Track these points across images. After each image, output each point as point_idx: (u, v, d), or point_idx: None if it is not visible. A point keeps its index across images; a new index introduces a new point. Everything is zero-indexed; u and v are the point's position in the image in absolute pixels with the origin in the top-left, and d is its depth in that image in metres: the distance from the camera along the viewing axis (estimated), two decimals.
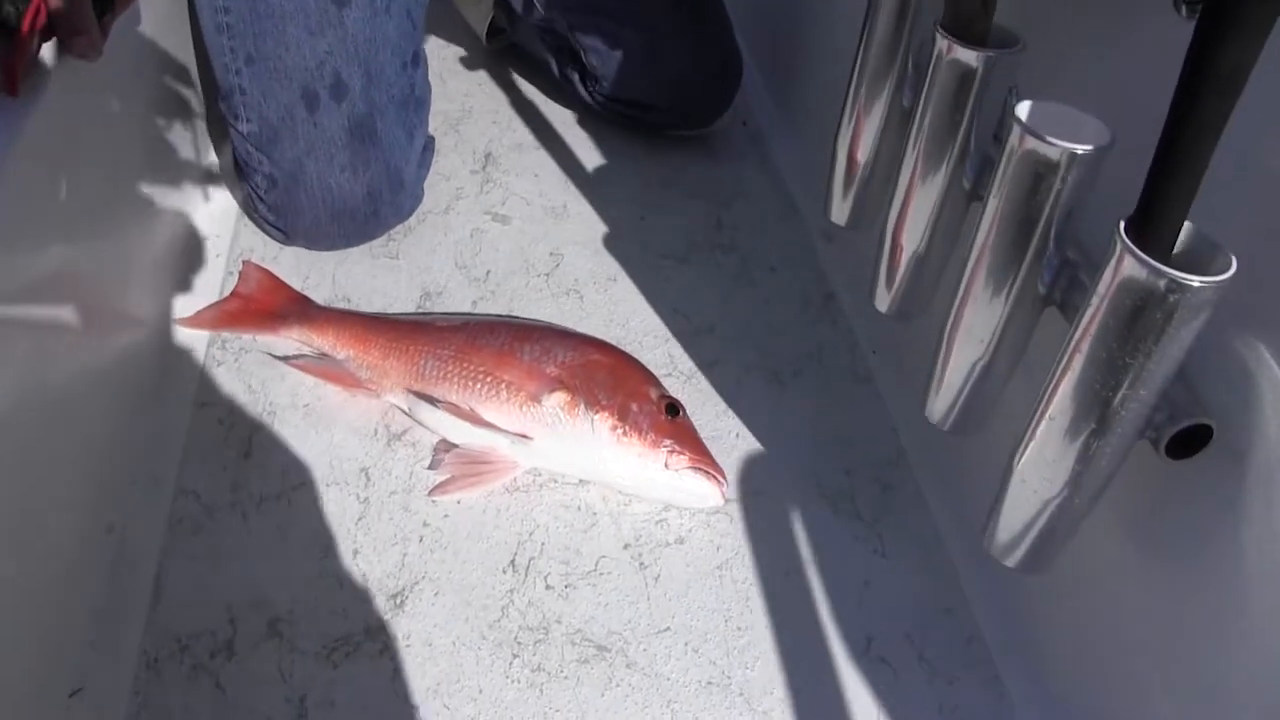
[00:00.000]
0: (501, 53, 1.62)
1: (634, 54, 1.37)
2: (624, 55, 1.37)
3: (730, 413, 1.06)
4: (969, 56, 0.73)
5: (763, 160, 1.44)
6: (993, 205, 0.68)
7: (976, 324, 0.72)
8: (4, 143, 0.73)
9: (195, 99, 1.27)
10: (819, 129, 1.33)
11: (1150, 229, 0.53)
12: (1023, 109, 0.65)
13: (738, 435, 1.04)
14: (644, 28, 1.36)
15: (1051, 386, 0.61)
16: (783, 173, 1.42)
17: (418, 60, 1.22)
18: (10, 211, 0.72)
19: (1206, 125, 0.49)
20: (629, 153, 1.43)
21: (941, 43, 0.74)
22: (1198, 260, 0.54)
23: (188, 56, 1.25)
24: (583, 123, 1.49)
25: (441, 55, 1.61)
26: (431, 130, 1.29)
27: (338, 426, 1.01)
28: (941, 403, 0.78)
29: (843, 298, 1.21)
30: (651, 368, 1.02)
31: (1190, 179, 0.51)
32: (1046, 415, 0.61)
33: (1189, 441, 0.60)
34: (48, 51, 0.82)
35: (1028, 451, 0.64)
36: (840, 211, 0.99)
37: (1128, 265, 0.53)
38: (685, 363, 1.11)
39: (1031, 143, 0.63)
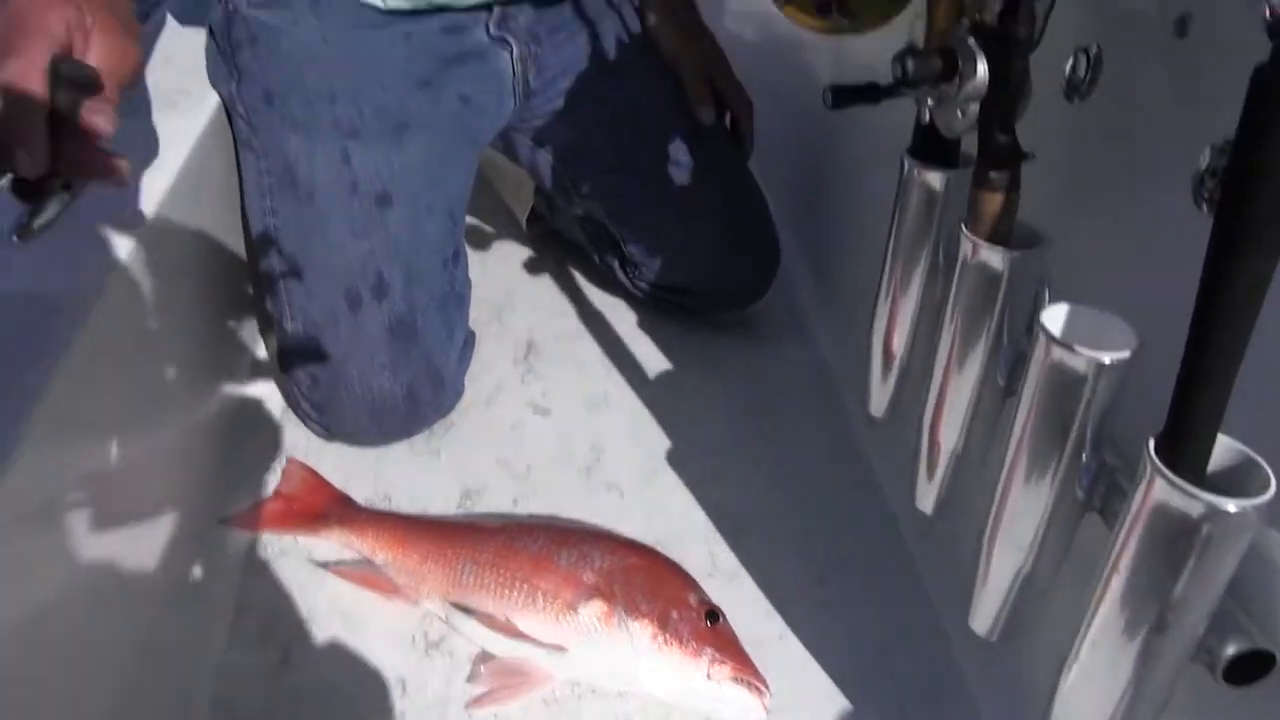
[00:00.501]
0: (542, 236, 1.65)
1: (672, 240, 1.39)
2: (662, 241, 1.39)
3: (774, 613, 1.04)
4: (994, 258, 0.73)
5: (802, 339, 1.45)
6: (1025, 408, 0.67)
7: (1016, 530, 0.70)
8: (60, 339, 0.75)
9: (242, 295, 1.30)
10: (857, 311, 1.34)
11: (1181, 447, 0.52)
12: (1049, 316, 0.64)
13: (781, 637, 1.01)
14: (681, 214, 1.38)
15: (1094, 608, 0.59)
16: (824, 353, 1.42)
17: (458, 257, 1.25)
18: (60, 404, 0.74)
19: (1230, 338, 0.48)
20: (669, 338, 1.44)
21: (967, 244, 0.74)
22: (1235, 479, 0.52)
23: (236, 253, 1.28)
24: (623, 308, 1.50)
25: (483, 240, 1.64)
26: (474, 318, 1.31)
27: (376, 634, 1.00)
28: (985, 613, 0.75)
29: (887, 488, 1.20)
30: (693, 568, 1.01)
31: (1218, 392, 0.50)
32: (1090, 639, 0.59)
33: (1249, 667, 0.57)
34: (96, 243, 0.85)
35: (1073, 674, 0.61)
36: (879, 404, 0.99)
37: (1159, 488, 0.52)
38: (727, 560, 1.09)
39: (1059, 352, 0.62)
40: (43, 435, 0.71)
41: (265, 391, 1.30)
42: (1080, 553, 0.69)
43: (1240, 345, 0.48)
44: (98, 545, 0.81)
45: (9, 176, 0.73)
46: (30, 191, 0.76)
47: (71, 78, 0.75)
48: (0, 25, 0.75)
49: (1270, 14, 0.60)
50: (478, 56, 1.29)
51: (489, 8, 1.28)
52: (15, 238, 0.94)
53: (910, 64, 0.69)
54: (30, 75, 0.73)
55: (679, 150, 1.37)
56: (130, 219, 0.99)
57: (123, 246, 0.93)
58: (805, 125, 1.54)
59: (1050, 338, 0.63)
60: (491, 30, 1.29)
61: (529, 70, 1.32)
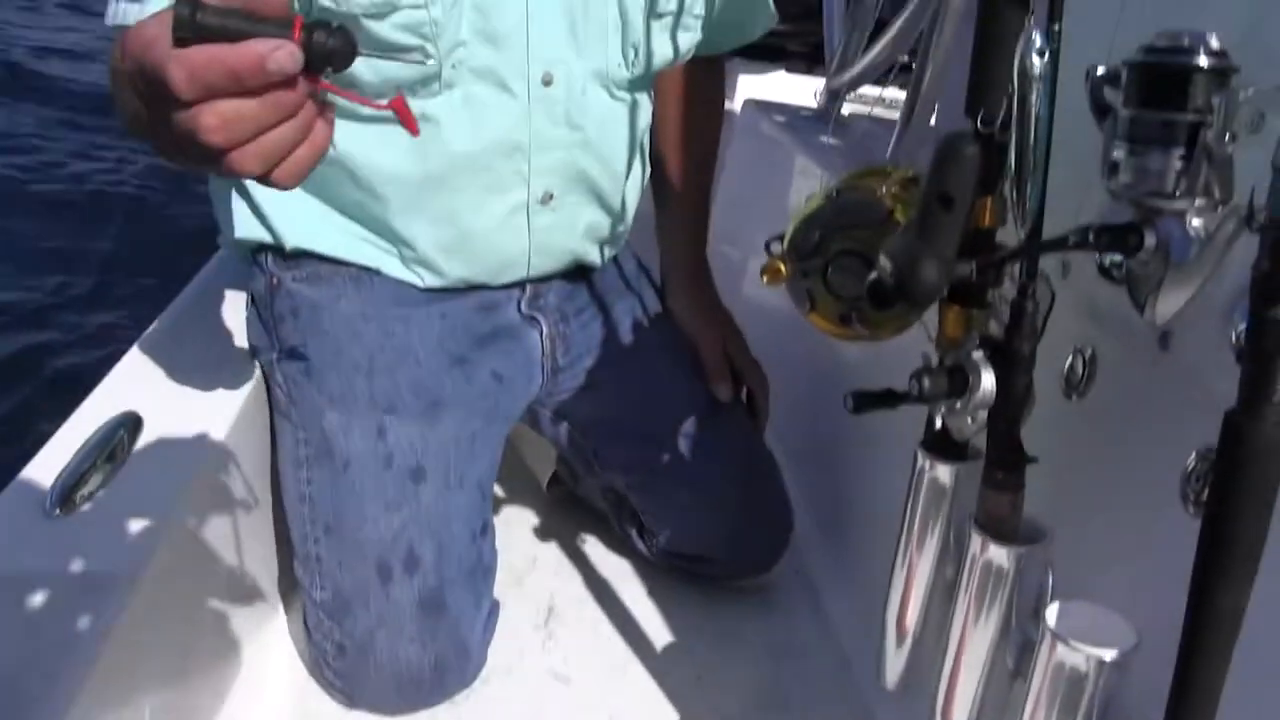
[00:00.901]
0: (563, 500, 1.71)
1: (689, 511, 1.45)
2: (680, 512, 1.45)
3: None
4: (1001, 555, 0.78)
5: (817, 610, 1.49)
6: (1033, 697, 0.71)
7: None
8: (101, 618, 0.80)
9: (272, 560, 1.34)
10: (870, 579, 1.38)
11: None
12: (1052, 614, 0.70)
13: None
14: (699, 487, 1.44)
15: None
16: (836, 624, 1.46)
17: (486, 529, 1.31)
18: (96, 663, 0.77)
19: (1214, 662, 0.53)
20: (686, 605, 1.48)
21: (975, 541, 0.80)
22: None
23: (267, 515, 1.33)
24: (642, 574, 1.55)
25: (505, 502, 1.70)
26: (497, 582, 1.35)
27: None
28: None
29: None
30: None
31: (1208, 702, 0.55)
32: None
33: None
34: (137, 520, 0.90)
35: None
36: (892, 678, 1.02)
37: None
38: None
39: (1062, 649, 0.68)
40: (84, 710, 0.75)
41: (288, 657, 1.32)
42: None
43: (1224, 665, 0.53)
44: None
45: None
46: None
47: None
48: None
49: (1236, 339, 0.68)
50: (509, 335, 1.38)
51: (521, 285, 1.38)
52: (57, 511, 1.00)
53: (926, 383, 0.76)
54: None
55: (698, 425, 1.44)
56: (170, 492, 1.05)
57: (163, 523, 0.99)
58: (818, 398, 1.63)
59: (1055, 635, 0.68)
60: (523, 308, 1.39)
61: (557, 349, 1.41)
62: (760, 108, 2.46)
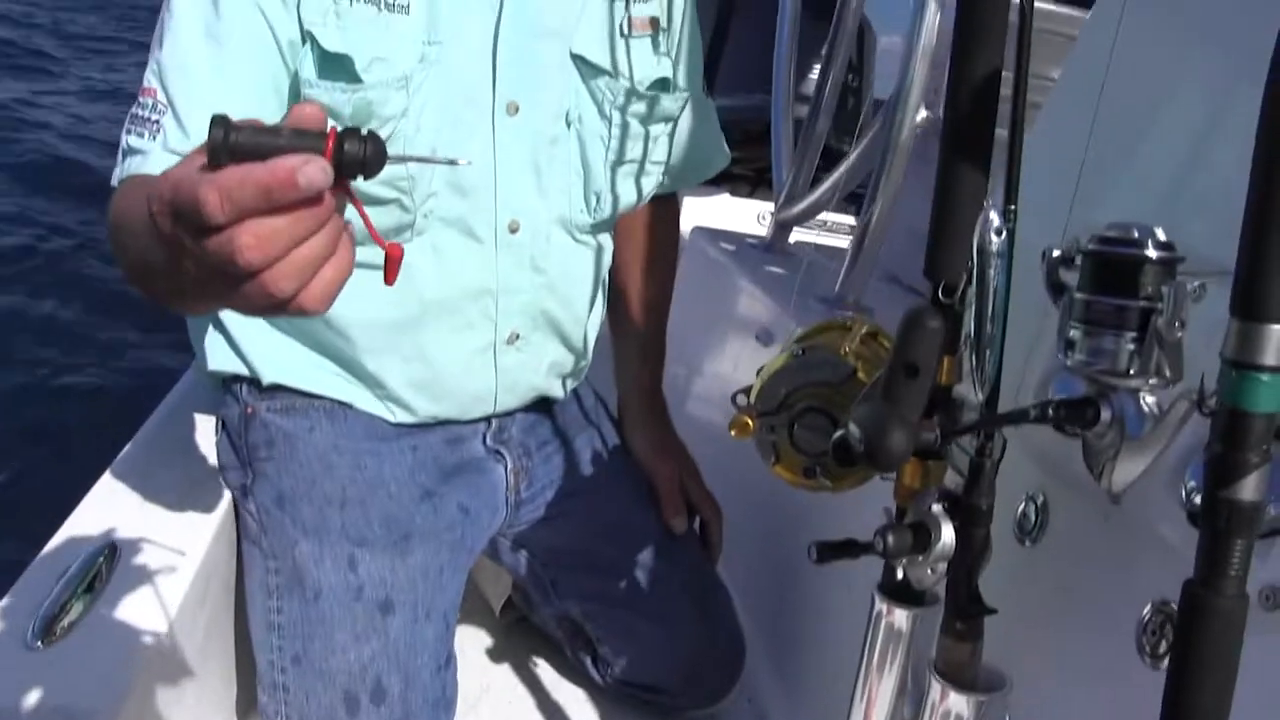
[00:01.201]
0: (516, 625, 1.73)
1: (646, 641, 1.48)
2: (635, 641, 1.49)
3: None
4: (960, 704, 0.83)
5: None
6: None
7: None
8: None
9: (236, 690, 1.35)
10: (822, 706, 1.41)
11: None
12: None
13: None
14: (654, 616, 1.48)
15: None
16: None
17: (450, 661, 1.33)
18: None
19: None
20: None
21: (935, 688, 0.85)
22: None
23: (230, 642, 1.35)
24: (595, 702, 1.57)
25: (459, 625, 1.70)
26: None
27: None
28: None
29: None
30: None
31: None
32: None
33: None
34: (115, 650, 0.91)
35: None
36: None
37: None
38: None
39: None
40: None
41: None
42: None
43: None
44: None
45: None
46: None
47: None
48: None
49: (1186, 497, 0.74)
50: (475, 469, 1.42)
51: (487, 419, 1.42)
52: (38, 643, 1.02)
53: (890, 539, 0.81)
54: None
55: (654, 556, 1.49)
56: (148, 622, 1.07)
57: (139, 653, 1.01)
58: (771, 529, 1.67)
59: None
60: (488, 442, 1.43)
61: (521, 482, 1.45)
62: (708, 235, 2.53)
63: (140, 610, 1.10)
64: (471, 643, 1.69)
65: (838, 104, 2.16)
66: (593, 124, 1.34)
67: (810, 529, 1.51)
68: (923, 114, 1.60)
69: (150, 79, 1.13)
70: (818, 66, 2.18)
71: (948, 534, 0.83)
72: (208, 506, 1.30)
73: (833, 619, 1.42)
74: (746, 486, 1.69)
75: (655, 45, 1.38)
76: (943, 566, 0.85)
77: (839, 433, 0.84)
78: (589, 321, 1.48)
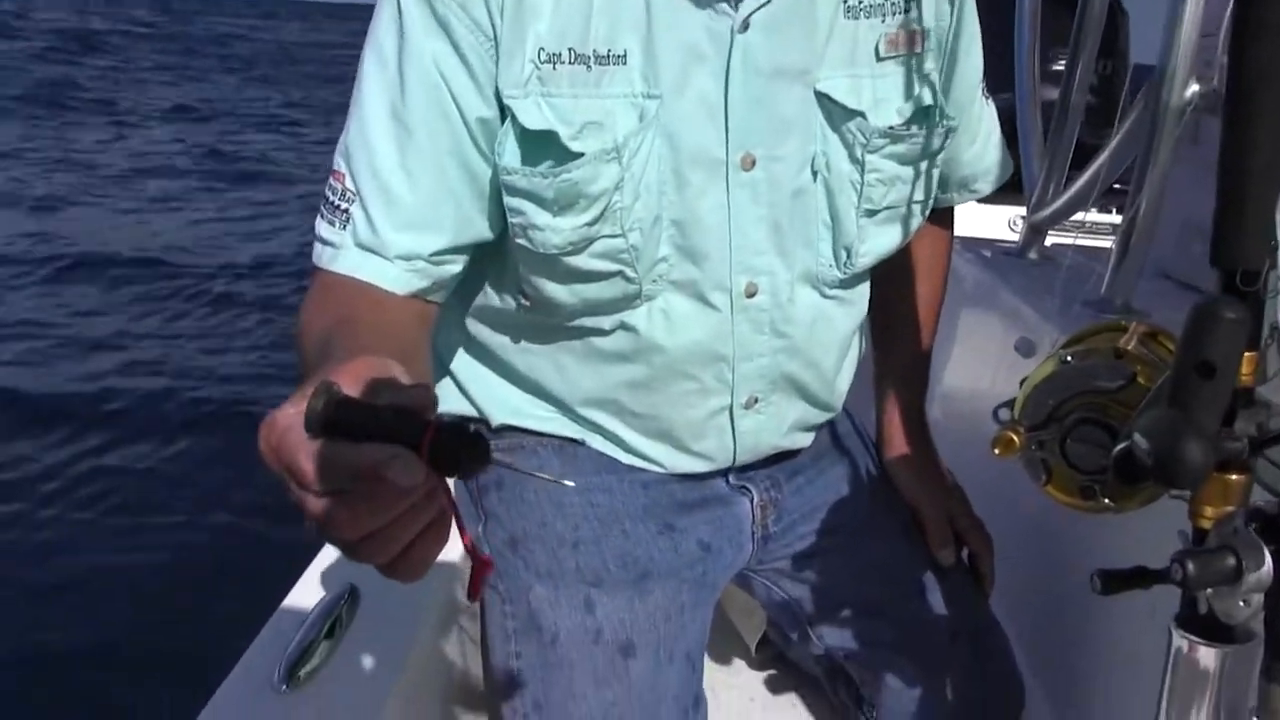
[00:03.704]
0: (772, 661, 1.66)
1: (915, 686, 1.38)
2: (904, 687, 1.39)
3: None
4: None
5: None
6: None
7: None
8: None
9: None
10: None
11: None
12: None
13: None
14: (922, 659, 1.38)
15: None
16: None
17: (699, 704, 1.27)
18: None
19: None
20: None
21: None
22: None
23: (476, 687, 1.32)
24: None
25: (712, 663, 1.65)
26: None
27: None
28: None
29: None
30: None
31: None
32: None
33: None
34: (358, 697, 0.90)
35: None
36: None
37: None
38: None
39: None
40: None
41: None
42: None
43: None
44: None
45: None
46: None
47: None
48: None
49: None
50: (718, 502, 1.35)
51: None
52: (284, 686, 1.02)
53: (1191, 567, 0.70)
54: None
55: (921, 593, 1.39)
56: (389, 667, 1.06)
57: (381, 698, 1.00)
58: (1047, 558, 1.55)
59: None
60: (731, 480, 1.36)
61: (769, 516, 1.38)
62: (957, 244, 2.42)
63: (382, 655, 1.09)
64: (724, 682, 1.64)
65: (1090, 94, 2.02)
66: (842, 169, 1.20)
67: (1091, 557, 1.39)
68: (1193, 89, 1.46)
69: (339, 162, 1.10)
70: (1063, 59, 2.05)
71: (1264, 559, 0.71)
72: (447, 549, 1.28)
73: (1122, 660, 1.29)
74: (1016, 512, 1.58)
75: (917, 67, 1.22)
76: (1258, 599, 0.73)
77: (1121, 445, 0.74)
78: (838, 378, 1.38)
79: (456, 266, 1.14)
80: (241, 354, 6.08)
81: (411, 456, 0.65)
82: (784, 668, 1.64)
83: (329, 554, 1.27)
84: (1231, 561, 0.71)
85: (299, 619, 1.12)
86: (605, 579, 1.25)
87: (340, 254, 1.08)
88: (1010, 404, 0.92)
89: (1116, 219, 1.73)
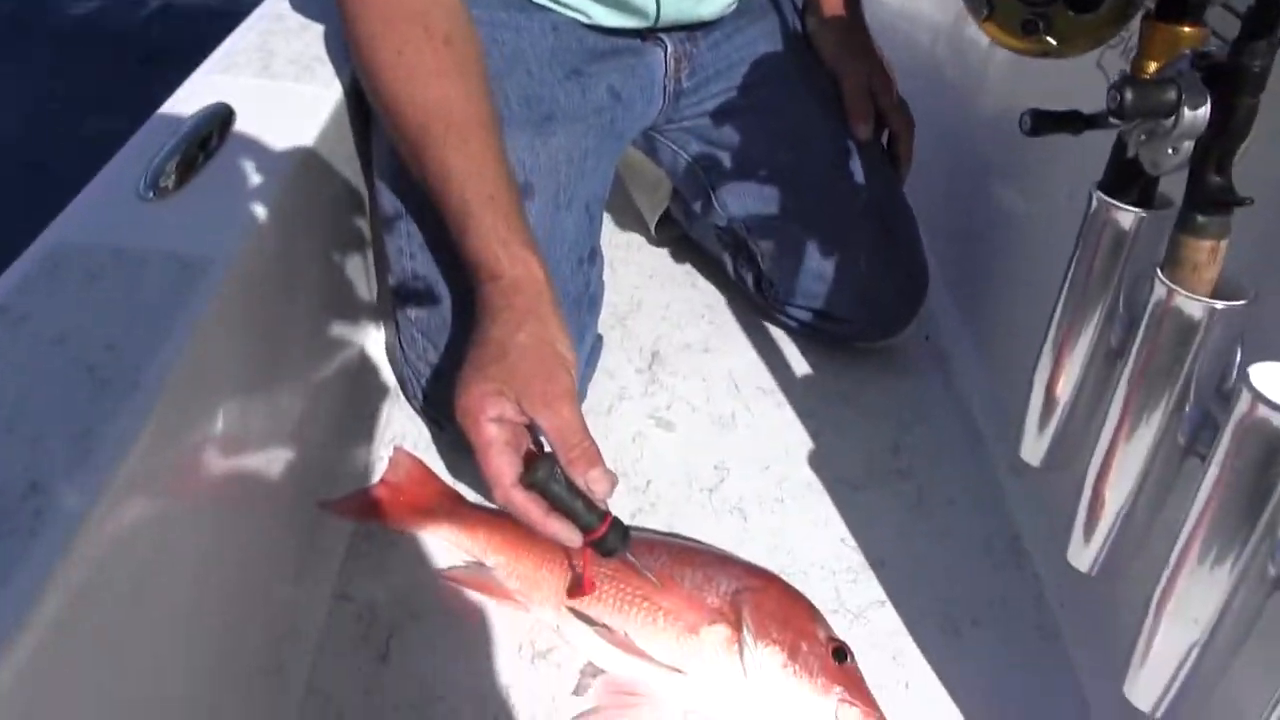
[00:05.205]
0: (673, 242, 1.65)
1: (815, 259, 1.37)
2: (805, 260, 1.38)
3: (899, 661, 1.03)
4: (1193, 309, 0.71)
5: (946, 380, 1.43)
6: (1214, 473, 0.65)
7: (1193, 604, 0.68)
8: (194, 301, 0.78)
9: (362, 275, 1.32)
10: (1007, 352, 1.31)
11: None
12: (1256, 373, 0.62)
13: (907, 686, 1.00)
14: (828, 233, 1.37)
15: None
16: (967, 395, 1.40)
17: (594, 257, 1.25)
18: (187, 371, 0.76)
19: None
20: (803, 362, 1.43)
21: (1161, 290, 0.72)
22: None
23: (359, 228, 1.30)
24: (755, 326, 1.50)
25: (610, 240, 1.64)
26: (599, 323, 1.31)
27: (481, 638, 1.01)
28: (1146, 688, 0.74)
29: (1029, 541, 1.17)
30: (817, 602, 1.00)
31: None
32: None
33: None
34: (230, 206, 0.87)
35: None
36: (1034, 450, 0.96)
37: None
38: (853, 599, 1.08)
39: (1264, 411, 0.61)
40: (170, 402, 0.73)
41: (377, 380, 1.32)
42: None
43: None
44: (203, 514, 0.83)
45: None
46: None
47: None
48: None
49: None
50: (630, 51, 1.29)
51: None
52: (150, 193, 0.98)
53: (1129, 95, 0.67)
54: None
55: (833, 165, 1.36)
56: (264, 187, 1.01)
57: (255, 213, 0.96)
58: (962, 146, 1.53)
59: (1257, 395, 0.61)
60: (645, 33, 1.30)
61: (682, 69, 1.32)
62: None
63: (255, 174, 1.04)
64: (623, 257, 1.62)
65: None
66: None
67: (1008, 147, 1.37)
68: None
69: None
70: None
71: (1204, 100, 0.68)
72: (331, 82, 1.21)
73: (1030, 252, 1.29)
74: (944, 95, 1.53)
75: None
76: (1188, 146, 0.71)
77: None
78: None
79: None
80: None
81: (580, 540, 0.91)
82: (685, 247, 1.63)
83: (202, 73, 1.19)
84: (1172, 95, 0.68)
85: (168, 133, 1.06)
86: (507, 118, 1.19)
87: None
88: None
89: None
